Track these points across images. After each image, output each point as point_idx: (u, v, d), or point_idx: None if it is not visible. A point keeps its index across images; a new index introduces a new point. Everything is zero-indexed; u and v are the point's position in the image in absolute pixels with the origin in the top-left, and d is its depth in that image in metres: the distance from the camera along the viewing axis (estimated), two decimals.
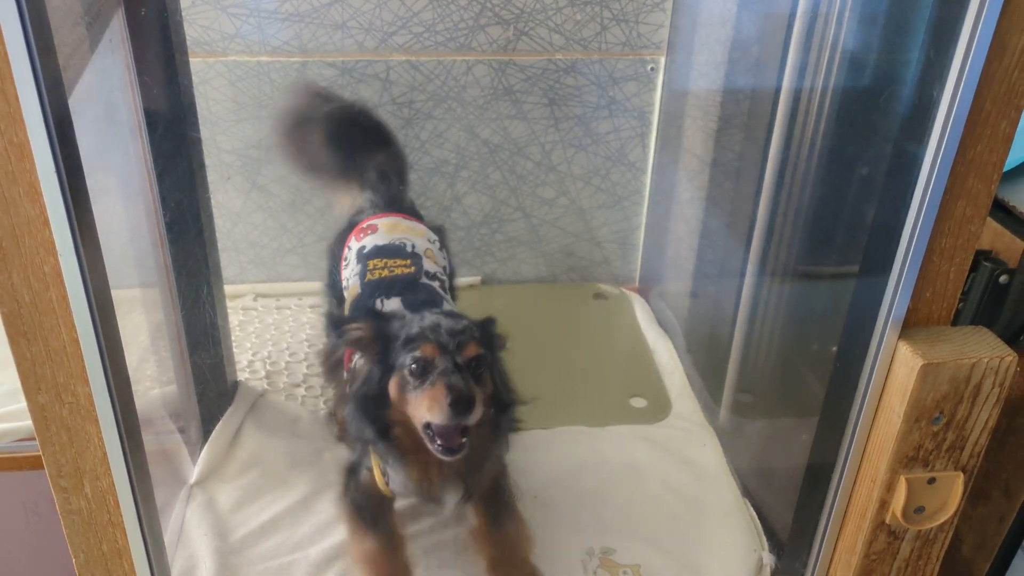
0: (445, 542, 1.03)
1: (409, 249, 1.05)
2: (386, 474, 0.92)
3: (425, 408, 0.82)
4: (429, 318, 0.87)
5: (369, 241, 1.06)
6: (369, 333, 0.88)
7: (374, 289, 1.00)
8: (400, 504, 1.00)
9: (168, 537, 0.98)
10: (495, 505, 0.99)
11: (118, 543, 0.76)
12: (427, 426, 0.83)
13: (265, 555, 1.01)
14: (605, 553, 1.03)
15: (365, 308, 0.97)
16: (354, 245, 1.07)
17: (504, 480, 1.00)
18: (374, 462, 0.93)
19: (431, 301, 0.97)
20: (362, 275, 1.02)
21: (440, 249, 1.10)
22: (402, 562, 0.96)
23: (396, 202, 1.13)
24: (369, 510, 0.96)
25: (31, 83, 0.54)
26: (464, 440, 0.83)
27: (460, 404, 0.80)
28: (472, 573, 0.99)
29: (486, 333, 0.89)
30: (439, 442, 0.82)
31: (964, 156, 0.66)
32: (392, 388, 0.85)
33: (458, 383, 0.80)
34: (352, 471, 0.97)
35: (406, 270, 1.02)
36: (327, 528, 1.04)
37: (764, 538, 1.06)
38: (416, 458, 0.88)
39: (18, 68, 0.53)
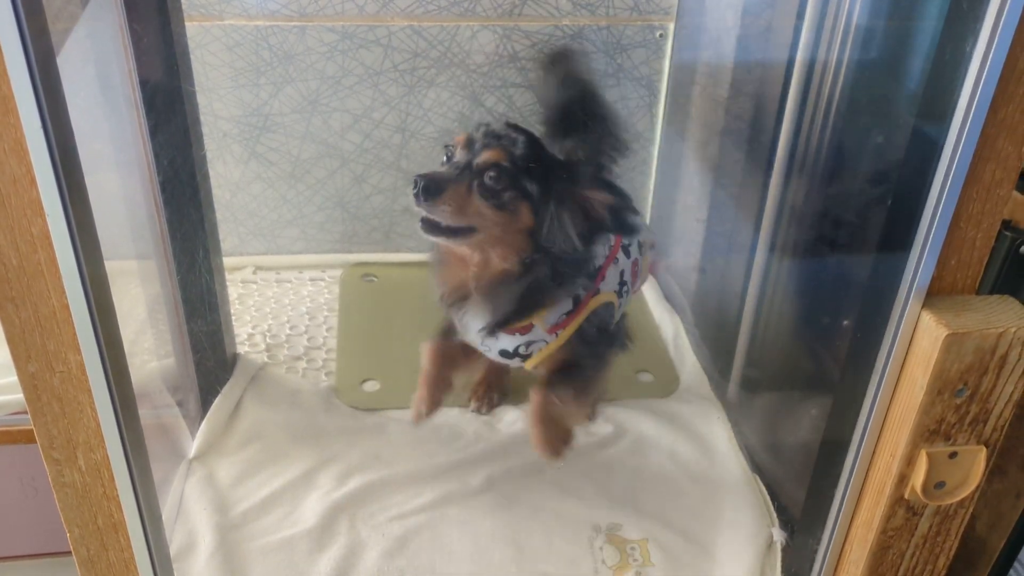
0: None
1: None
2: None
3: None
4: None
5: None
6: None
7: None
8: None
9: (166, 512, 0.96)
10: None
11: (113, 517, 0.74)
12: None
13: (266, 530, 0.99)
14: (612, 529, 1.02)
15: None
16: None
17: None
18: None
19: None
20: None
21: None
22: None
23: None
24: None
25: (14, 29, 0.50)
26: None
27: (427, 189, 0.83)
28: None
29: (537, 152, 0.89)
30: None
31: (995, 116, 0.63)
32: None
33: (434, 173, 0.85)
34: None
35: None
36: (329, 502, 1.02)
37: (774, 514, 1.04)
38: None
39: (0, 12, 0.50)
